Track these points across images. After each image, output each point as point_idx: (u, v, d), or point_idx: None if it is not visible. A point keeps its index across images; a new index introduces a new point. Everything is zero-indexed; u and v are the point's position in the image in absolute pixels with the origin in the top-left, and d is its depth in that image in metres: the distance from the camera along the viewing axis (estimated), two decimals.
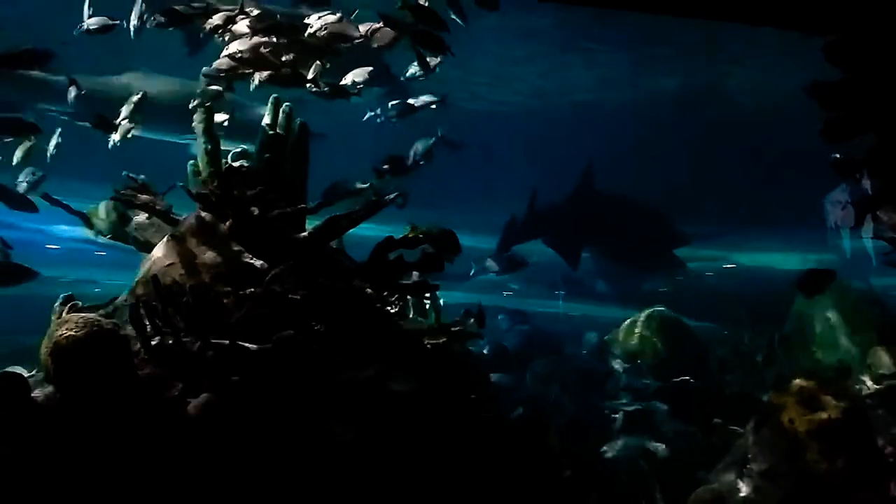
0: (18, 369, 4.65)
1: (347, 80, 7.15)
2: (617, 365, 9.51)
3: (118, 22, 7.23)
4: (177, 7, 6.53)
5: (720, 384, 9.20)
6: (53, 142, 7.84)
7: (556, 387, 9.33)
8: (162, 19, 6.53)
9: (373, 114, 8.84)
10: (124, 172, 5.57)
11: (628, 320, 10.07)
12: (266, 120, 6.02)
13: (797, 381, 6.60)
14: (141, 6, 7.19)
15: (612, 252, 15.58)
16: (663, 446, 7.99)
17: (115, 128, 7.08)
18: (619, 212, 14.91)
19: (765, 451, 6.51)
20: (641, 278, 15.77)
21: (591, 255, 16.02)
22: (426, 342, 5.64)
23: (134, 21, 7.22)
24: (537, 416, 8.83)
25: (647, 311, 10.03)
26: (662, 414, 8.63)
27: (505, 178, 16.21)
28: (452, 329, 5.95)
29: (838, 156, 6.42)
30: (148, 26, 6.98)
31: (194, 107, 5.87)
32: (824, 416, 6.26)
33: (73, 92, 7.90)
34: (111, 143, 7.18)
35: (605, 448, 8.11)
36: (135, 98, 7.20)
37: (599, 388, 9.34)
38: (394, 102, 8.27)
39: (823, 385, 6.62)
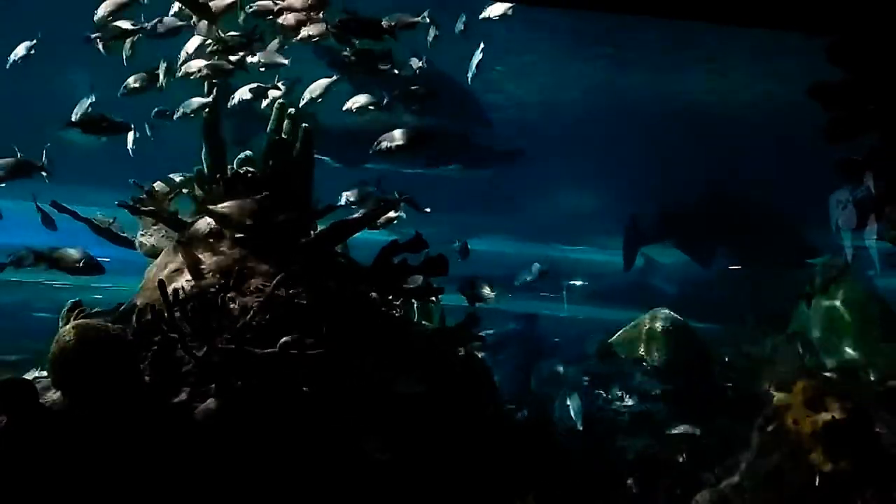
0: (39, 373, 4.69)
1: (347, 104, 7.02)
2: (621, 367, 9.53)
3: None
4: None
5: (724, 385, 9.20)
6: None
7: (562, 389, 9.33)
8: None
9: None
10: (131, 179, 5.60)
11: (632, 322, 10.08)
12: (271, 125, 6.06)
13: (801, 382, 6.60)
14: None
15: (747, 254, 15.65)
16: (668, 447, 7.99)
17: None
18: (753, 214, 15.14)
19: (769, 452, 6.51)
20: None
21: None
22: (431, 345, 5.67)
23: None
24: (542, 418, 8.86)
25: (650, 313, 10.03)
26: (667, 415, 8.64)
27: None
28: (457, 332, 5.97)
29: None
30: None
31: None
32: (828, 416, 6.26)
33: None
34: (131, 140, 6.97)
35: (610, 450, 8.11)
36: (164, 65, 6.92)
37: (604, 390, 9.35)
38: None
39: (827, 385, 6.62)
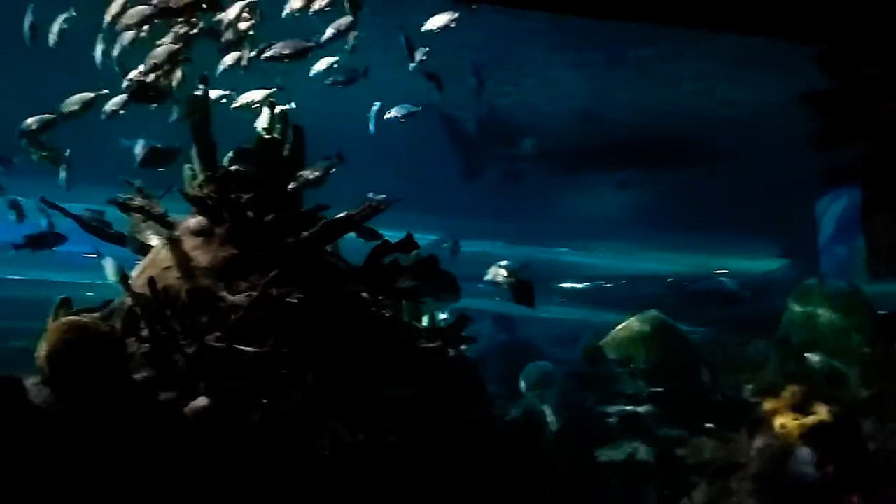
0: None
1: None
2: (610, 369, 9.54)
3: None
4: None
5: (713, 389, 9.23)
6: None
7: (551, 391, 9.36)
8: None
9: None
10: (121, 176, 5.58)
11: (621, 325, 10.09)
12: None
13: (789, 387, 6.65)
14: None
15: None
16: (656, 450, 8.01)
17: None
18: None
19: (757, 456, 6.56)
20: None
21: None
22: (422, 346, 5.66)
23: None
24: (531, 420, 8.88)
25: (639, 315, 10.05)
26: (656, 418, 8.66)
27: None
28: (447, 333, 5.97)
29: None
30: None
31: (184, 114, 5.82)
32: (815, 420, 6.32)
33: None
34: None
35: (598, 452, 8.13)
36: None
37: (593, 392, 9.36)
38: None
39: (815, 390, 6.67)
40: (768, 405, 6.68)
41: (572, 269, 20.95)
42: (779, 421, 6.45)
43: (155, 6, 5.66)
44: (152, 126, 6.26)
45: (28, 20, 7.31)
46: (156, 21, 5.83)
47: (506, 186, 17.09)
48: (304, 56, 6.55)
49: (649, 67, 13.44)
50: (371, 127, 8.53)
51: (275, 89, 6.45)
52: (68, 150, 7.23)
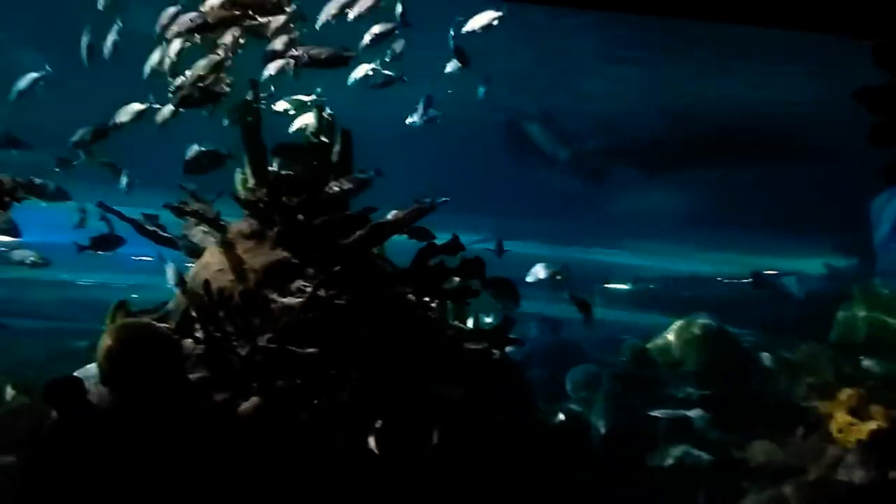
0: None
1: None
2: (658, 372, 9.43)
3: None
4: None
5: (764, 393, 9.05)
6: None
7: (598, 394, 9.27)
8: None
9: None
10: (176, 181, 5.70)
11: (669, 327, 9.96)
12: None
13: (846, 391, 6.49)
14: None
15: None
16: (707, 455, 7.89)
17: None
18: None
19: (813, 461, 6.42)
20: None
21: None
22: (467, 347, 5.67)
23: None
24: (577, 423, 8.80)
25: (687, 318, 9.91)
26: (706, 422, 8.52)
27: None
28: (493, 335, 5.97)
29: None
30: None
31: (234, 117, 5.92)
32: (874, 426, 6.16)
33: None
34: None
35: (647, 456, 8.03)
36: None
37: (641, 395, 9.25)
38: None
39: (872, 394, 6.51)
40: (824, 409, 6.53)
41: (617, 270, 20.76)
42: (835, 425, 6.30)
43: (192, 20, 5.80)
44: (214, 131, 6.39)
45: (85, 40, 7.53)
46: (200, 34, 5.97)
47: (550, 188, 17.02)
48: (345, 63, 6.62)
49: (708, 64, 13.28)
50: (417, 119, 8.53)
51: (314, 97, 6.52)
52: (104, 159, 7.48)
